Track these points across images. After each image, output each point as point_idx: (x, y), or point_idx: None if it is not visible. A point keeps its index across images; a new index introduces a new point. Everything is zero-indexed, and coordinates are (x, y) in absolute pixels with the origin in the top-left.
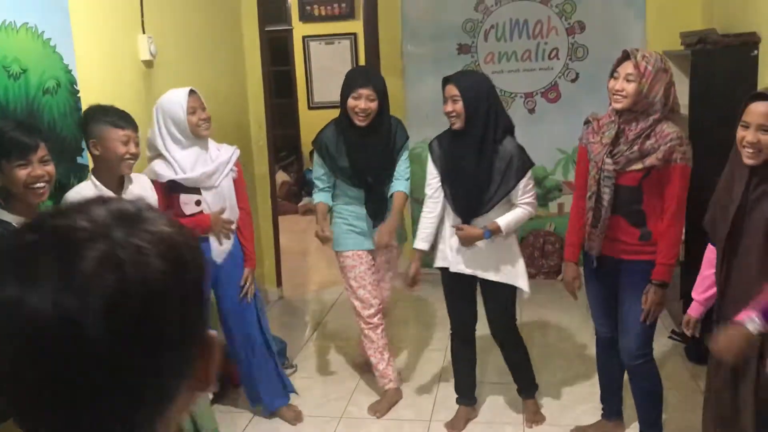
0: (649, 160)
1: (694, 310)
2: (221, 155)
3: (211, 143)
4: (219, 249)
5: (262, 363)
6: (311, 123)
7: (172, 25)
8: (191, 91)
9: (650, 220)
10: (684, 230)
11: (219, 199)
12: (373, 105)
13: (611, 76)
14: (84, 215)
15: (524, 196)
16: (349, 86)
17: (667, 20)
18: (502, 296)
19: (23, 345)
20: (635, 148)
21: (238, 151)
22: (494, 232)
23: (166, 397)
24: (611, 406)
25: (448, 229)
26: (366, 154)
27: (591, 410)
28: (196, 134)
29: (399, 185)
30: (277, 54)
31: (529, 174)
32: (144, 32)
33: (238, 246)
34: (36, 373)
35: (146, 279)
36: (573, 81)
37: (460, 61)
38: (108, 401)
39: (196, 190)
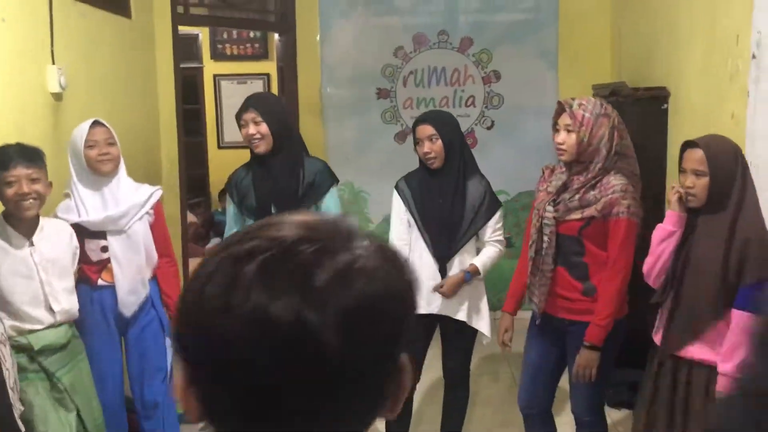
0: (588, 211)
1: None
2: (136, 196)
3: (127, 182)
4: (128, 300)
5: (166, 426)
6: (221, 163)
7: (84, 56)
8: (95, 123)
9: (594, 275)
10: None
11: (129, 246)
12: (263, 128)
13: (553, 129)
14: (306, 230)
15: (494, 233)
16: (237, 118)
17: (578, 72)
18: (465, 338)
19: (266, 349)
20: (576, 197)
21: (159, 192)
22: (473, 273)
23: (373, 413)
24: None
25: (418, 273)
26: (268, 181)
27: None
28: (96, 170)
29: None
30: (186, 92)
31: (499, 212)
32: (54, 63)
33: (157, 295)
34: (273, 377)
35: (377, 291)
36: (489, 128)
37: (380, 105)
38: (331, 409)
39: (101, 235)
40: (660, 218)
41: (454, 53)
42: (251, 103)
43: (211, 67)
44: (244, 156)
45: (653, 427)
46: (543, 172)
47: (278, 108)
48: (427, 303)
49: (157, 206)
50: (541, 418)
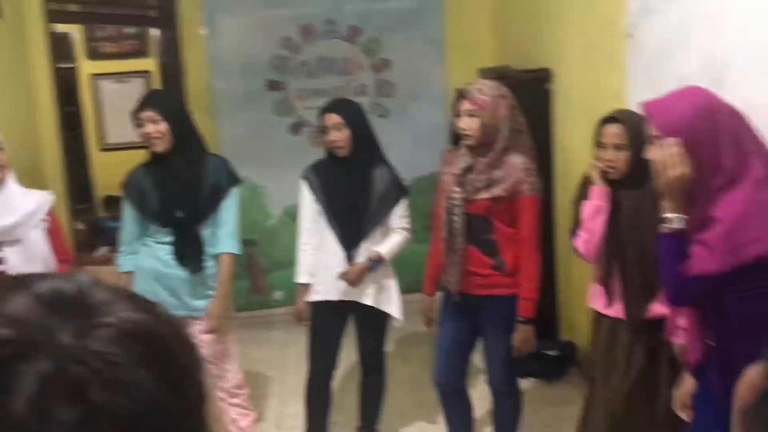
0: (496, 190)
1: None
2: (28, 203)
3: (17, 190)
4: None
5: None
6: (104, 165)
7: None
8: None
9: (503, 250)
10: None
11: (26, 255)
12: (161, 127)
13: (454, 115)
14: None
15: (400, 221)
16: (133, 117)
17: (465, 58)
18: (378, 323)
19: None
20: (482, 177)
21: (49, 198)
22: (377, 261)
23: None
24: None
25: (325, 260)
26: (170, 183)
27: None
28: None
29: (227, 244)
30: (62, 93)
31: (405, 199)
32: None
33: None
34: None
35: (121, 404)
36: (382, 116)
37: (271, 97)
38: None
39: None
40: (546, 194)
41: (342, 43)
42: (148, 101)
43: (87, 67)
44: (130, 158)
45: (607, 387)
46: (444, 156)
47: (177, 105)
48: (336, 290)
49: (51, 212)
50: (457, 394)
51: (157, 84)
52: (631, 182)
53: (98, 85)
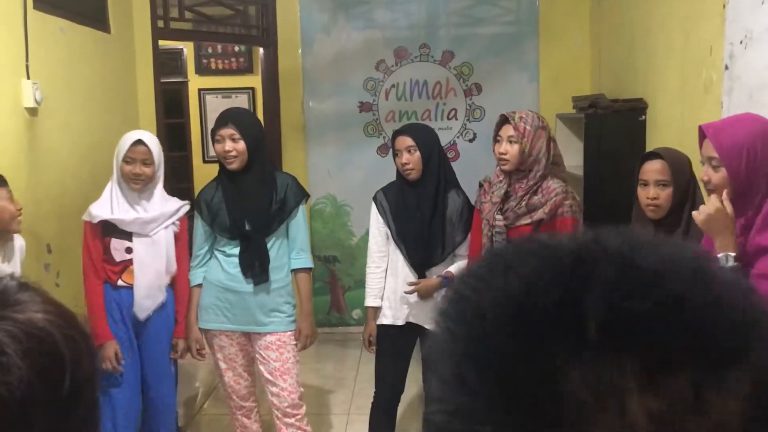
0: (537, 215)
1: None
2: (166, 206)
3: (160, 193)
4: (143, 304)
5: None
6: (206, 176)
7: (61, 71)
8: (138, 141)
9: None
10: None
11: (153, 250)
12: (239, 146)
13: (494, 140)
14: None
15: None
16: (212, 132)
17: (558, 84)
18: None
19: None
20: (523, 203)
21: (187, 207)
22: (451, 280)
23: None
24: None
25: (394, 284)
26: (241, 199)
27: None
28: (126, 184)
29: (301, 260)
30: (171, 106)
31: None
32: (29, 78)
33: (170, 304)
34: None
35: (2, 384)
36: (471, 141)
37: (362, 118)
38: None
39: (128, 236)
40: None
41: (435, 66)
42: (230, 118)
43: (196, 82)
44: None
45: None
46: (482, 185)
47: (256, 125)
48: (404, 315)
49: (183, 220)
50: None
51: (260, 101)
52: (671, 221)
53: (205, 100)
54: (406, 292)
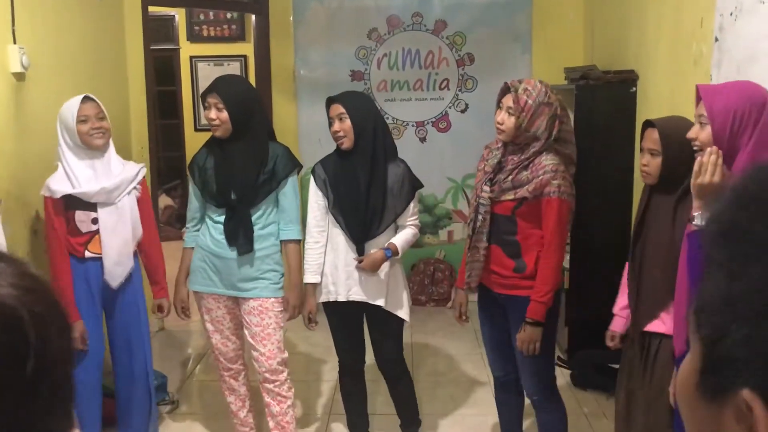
0: (520, 192)
1: (616, 325)
2: (125, 171)
3: (116, 158)
4: (115, 271)
5: (142, 402)
6: (197, 144)
7: (48, 36)
8: (85, 98)
9: (526, 252)
10: (568, 259)
11: (118, 218)
12: (222, 115)
13: (497, 106)
14: None
15: (411, 216)
16: (201, 98)
17: (551, 56)
18: (390, 326)
19: None
20: (509, 178)
21: (144, 170)
22: (394, 252)
23: None
24: None
25: (334, 259)
26: (228, 168)
27: None
28: (88, 144)
29: (291, 231)
30: (162, 74)
31: (417, 195)
32: (15, 42)
33: (138, 270)
34: None
35: None
36: (462, 111)
37: (353, 87)
38: None
39: (92, 207)
40: (626, 196)
41: (428, 35)
42: (215, 87)
43: (187, 49)
44: None
45: (630, 403)
46: (484, 151)
47: (242, 94)
48: (347, 290)
49: (143, 182)
50: (506, 378)
51: (252, 68)
52: (666, 188)
53: (197, 67)
54: (357, 267)
